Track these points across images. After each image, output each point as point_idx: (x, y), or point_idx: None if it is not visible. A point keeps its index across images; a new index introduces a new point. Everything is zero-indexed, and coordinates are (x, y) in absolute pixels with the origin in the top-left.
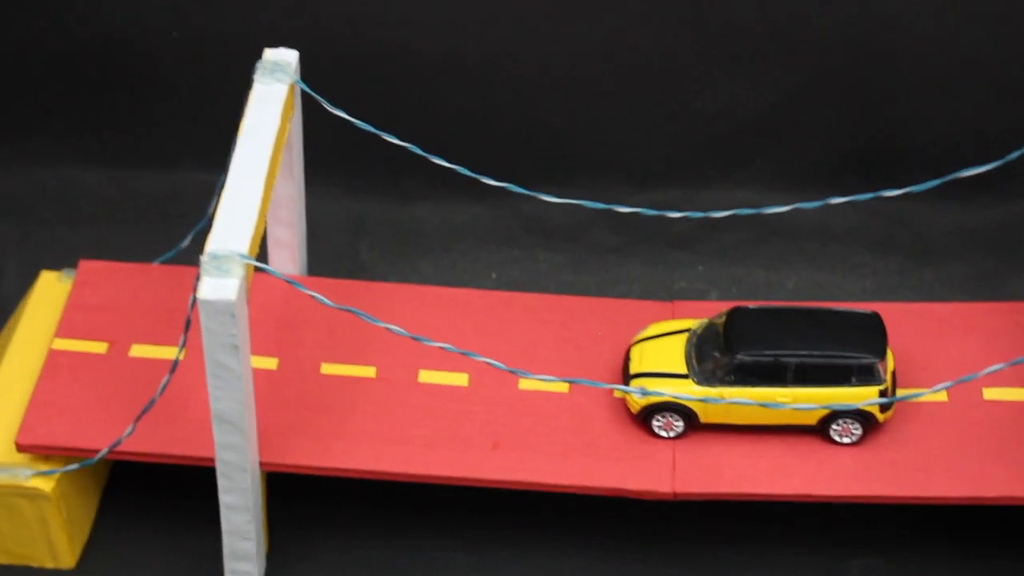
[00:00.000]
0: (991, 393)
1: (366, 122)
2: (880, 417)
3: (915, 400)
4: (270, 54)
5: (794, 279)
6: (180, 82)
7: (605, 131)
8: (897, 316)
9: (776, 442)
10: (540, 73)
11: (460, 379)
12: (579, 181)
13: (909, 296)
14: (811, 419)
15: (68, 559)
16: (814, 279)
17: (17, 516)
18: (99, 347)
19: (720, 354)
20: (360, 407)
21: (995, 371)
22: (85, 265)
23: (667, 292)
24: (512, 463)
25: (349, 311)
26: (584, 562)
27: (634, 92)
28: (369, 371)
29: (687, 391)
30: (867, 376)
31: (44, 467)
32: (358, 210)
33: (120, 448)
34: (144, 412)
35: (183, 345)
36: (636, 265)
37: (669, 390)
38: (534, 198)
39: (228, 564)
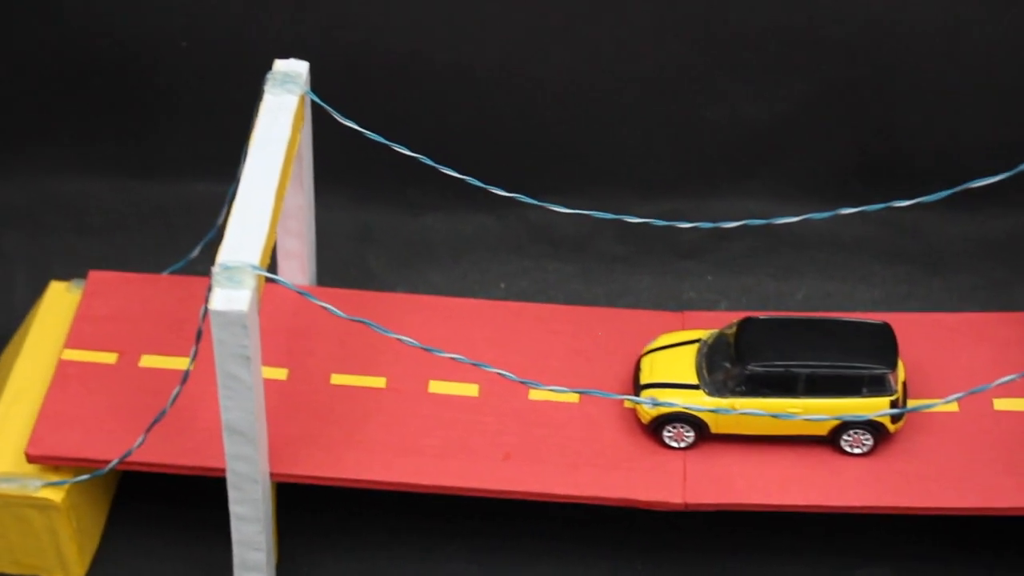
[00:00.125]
0: (1002, 404)
1: (375, 132)
2: (891, 428)
3: (925, 411)
4: (280, 65)
5: (803, 289)
6: (189, 92)
7: (614, 141)
8: (907, 326)
9: (787, 452)
10: (549, 84)
11: (471, 389)
12: (588, 191)
13: (918, 306)
14: (822, 430)
15: (77, 569)
16: (823, 289)
17: (27, 527)
18: (109, 357)
19: (731, 365)
20: (370, 417)
21: (1007, 382)
22: (94, 275)
23: (676, 302)
24: (523, 474)
25: (361, 322)
26: (594, 571)
27: (643, 102)
28: (379, 381)
29: (698, 402)
30: (878, 387)
31: (54, 478)
32: (366, 220)
33: (130, 459)
34: (155, 423)
35: (194, 356)
36: (645, 275)
37: (680, 401)
38: (543, 208)
39: (238, 574)
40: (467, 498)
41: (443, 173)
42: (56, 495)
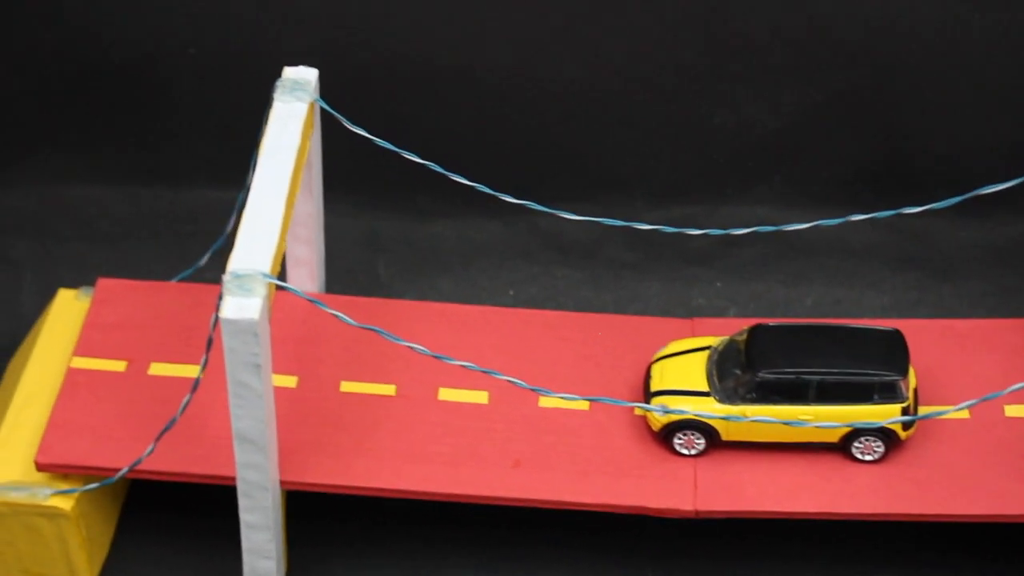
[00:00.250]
0: (1013, 410)
1: (384, 139)
2: (902, 435)
3: (937, 418)
4: (290, 72)
5: (813, 296)
6: (197, 99)
7: (623, 147)
8: (917, 333)
9: (798, 460)
10: (558, 90)
11: (480, 397)
12: (597, 198)
13: (928, 313)
14: (833, 437)
15: None
16: (833, 295)
17: (36, 535)
18: (118, 365)
19: (742, 372)
20: (380, 425)
21: (1018, 389)
22: (103, 283)
23: (685, 309)
24: (533, 481)
25: (371, 330)
26: None
27: (652, 109)
28: (389, 389)
29: (709, 409)
30: (890, 394)
31: (63, 486)
32: (375, 227)
33: (140, 467)
34: (165, 431)
35: (205, 364)
36: (654, 281)
37: (691, 408)
38: (552, 215)
39: None
40: (477, 505)
41: (452, 180)
42: (66, 503)
